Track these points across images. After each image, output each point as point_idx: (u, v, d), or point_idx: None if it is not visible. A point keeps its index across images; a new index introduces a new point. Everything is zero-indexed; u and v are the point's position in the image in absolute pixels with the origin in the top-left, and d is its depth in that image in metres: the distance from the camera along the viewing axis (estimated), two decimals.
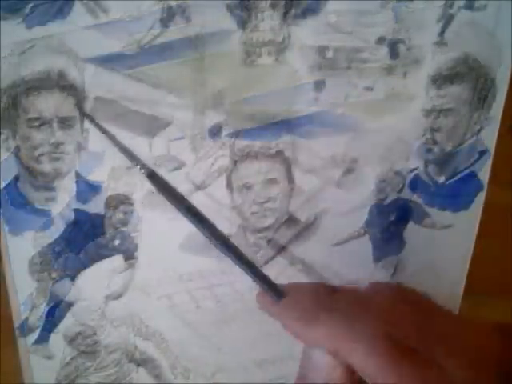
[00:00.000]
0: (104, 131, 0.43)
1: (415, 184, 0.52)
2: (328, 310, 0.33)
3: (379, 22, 0.46)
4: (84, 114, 0.44)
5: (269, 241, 0.51)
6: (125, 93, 0.45)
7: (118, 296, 0.51)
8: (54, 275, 0.49)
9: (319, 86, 0.48)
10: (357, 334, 0.31)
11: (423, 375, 0.31)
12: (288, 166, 0.49)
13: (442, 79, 0.49)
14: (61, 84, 0.44)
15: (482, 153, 0.51)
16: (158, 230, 0.49)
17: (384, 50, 0.47)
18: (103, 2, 0.42)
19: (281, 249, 0.52)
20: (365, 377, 0.32)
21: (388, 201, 0.52)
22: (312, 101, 0.48)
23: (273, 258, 0.52)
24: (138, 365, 0.54)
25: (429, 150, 0.51)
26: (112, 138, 0.43)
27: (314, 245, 0.52)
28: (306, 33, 0.46)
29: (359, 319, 0.32)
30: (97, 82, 0.44)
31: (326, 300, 0.35)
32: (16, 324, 0.50)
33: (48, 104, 0.44)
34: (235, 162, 0.48)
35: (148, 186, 0.47)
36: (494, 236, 0.54)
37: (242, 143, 0.48)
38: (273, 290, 0.38)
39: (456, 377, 0.33)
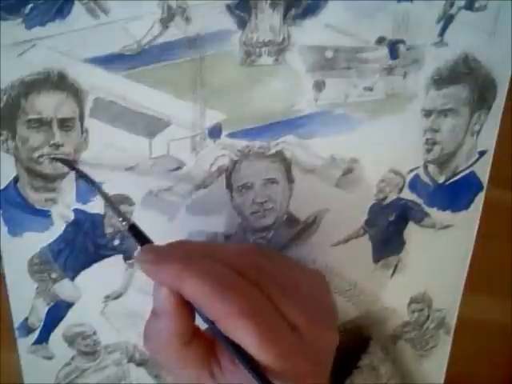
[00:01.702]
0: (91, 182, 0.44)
1: (415, 184, 0.52)
2: (173, 254, 0.38)
3: (379, 21, 0.46)
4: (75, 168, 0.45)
5: (268, 241, 0.51)
6: (125, 93, 0.45)
7: (117, 296, 0.51)
8: (53, 275, 0.49)
9: (319, 86, 0.48)
10: (194, 273, 0.35)
11: (248, 307, 0.35)
12: (288, 165, 0.49)
13: (441, 79, 0.49)
14: (60, 84, 0.44)
15: (482, 153, 0.51)
16: (158, 229, 0.49)
17: (384, 50, 0.47)
18: (103, 2, 0.42)
19: (281, 249, 0.52)
20: (201, 310, 0.36)
21: (388, 201, 0.52)
22: (312, 101, 0.48)
23: None
24: (138, 365, 0.54)
25: (429, 150, 0.51)
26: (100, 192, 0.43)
27: (313, 245, 0.52)
28: (306, 33, 0.46)
29: (200, 261, 0.37)
30: (97, 83, 0.44)
31: (177, 247, 0.40)
32: (16, 324, 0.50)
33: (48, 104, 0.44)
34: (235, 162, 0.48)
35: (148, 186, 0.48)
36: (493, 236, 0.54)
37: (241, 143, 0.48)
38: (143, 239, 0.40)
39: (291, 317, 0.37)
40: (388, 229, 0.53)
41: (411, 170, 0.52)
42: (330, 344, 0.39)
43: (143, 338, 0.40)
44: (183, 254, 0.38)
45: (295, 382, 0.36)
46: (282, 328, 0.36)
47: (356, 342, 0.52)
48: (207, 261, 0.37)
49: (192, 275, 0.35)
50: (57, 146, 0.45)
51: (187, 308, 0.37)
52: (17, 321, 0.50)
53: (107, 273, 0.50)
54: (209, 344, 0.38)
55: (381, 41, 0.47)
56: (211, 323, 0.36)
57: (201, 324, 0.38)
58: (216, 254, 0.38)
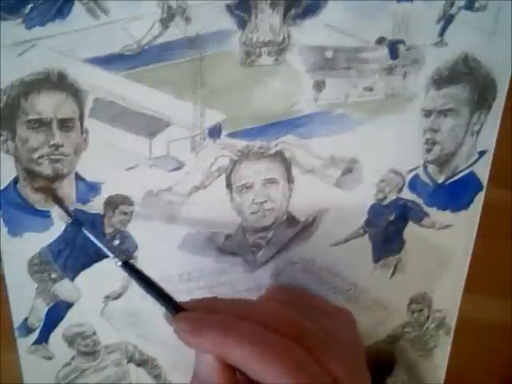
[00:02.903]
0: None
1: (415, 184, 0.52)
2: (211, 322, 0.38)
3: (379, 21, 0.46)
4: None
5: (268, 241, 0.51)
6: (125, 93, 0.45)
7: (117, 296, 0.51)
8: (53, 276, 0.49)
9: (319, 86, 0.48)
10: (236, 340, 0.36)
11: (294, 367, 0.36)
12: (288, 165, 0.49)
13: (441, 79, 0.48)
14: (60, 84, 0.44)
15: (482, 153, 0.51)
16: (158, 229, 0.49)
17: (384, 50, 0.47)
18: (103, 2, 0.42)
19: (280, 248, 0.52)
20: (250, 375, 0.37)
21: (388, 201, 0.52)
22: (312, 101, 0.48)
23: (272, 257, 0.52)
24: (138, 365, 0.54)
25: (429, 150, 0.51)
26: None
27: (313, 245, 0.52)
28: (305, 33, 0.46)
29: (239, 326, 0.37)
30: (97, 83, 0.44)
31: (211, 313, 0.40)
32: (16, 324, 0.50)
33: (48, 105, 0.44)
34: (235, 162, 0.48)
35: (148, 186, 0.48)
36: (493, 236, 0.54)
37: (241, 143, 0.48)
38: (172, 306, 0.41)
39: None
40: (388, 229, 0.53)
41: (411, 170, 0.52)
42: None
43: None
44: (220, 319, 0.38)
45: None
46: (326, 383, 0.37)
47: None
48: (246, 324, 0.37)
49: (234, 342, 0.36)
50: (56, 147, 0.45)
51: (233, 376, 0.37)
52: (17, 321, 0.50)
53: (107, 273, 0.50)
54: None
55: (381, 41, 0.47)
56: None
57: None
58: (251, 315, 0.38)
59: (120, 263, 0.42)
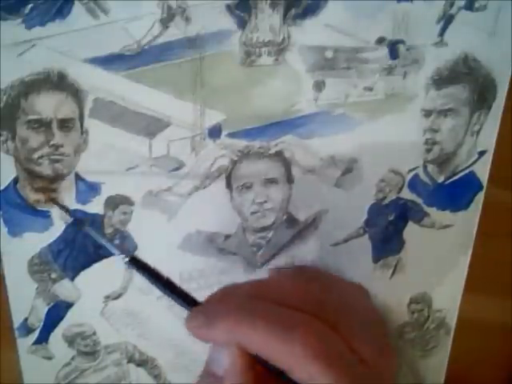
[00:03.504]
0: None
1: (415, 184, 0.52)
2: (223, 309, 0.35)
3: (379, 22, 0.46)
4: None
5: (268, 241, 0.51)
6: (124, 93, 0.45)
7: (117, 296, 0.51)
8: (53, 276, 0.49)
9: (319, 85, 0.48)
10: (252, 321, 0.33)
11: (318, 347, 0.33)
12: (287, 165, 0.49)
13: (441, 79, 0.48)
14: (60, 85, 0.44)
15: (482, 153, 0.51)
16: (158, 230, 0.49)
17: (384, 50, 0.47)
18: (103, 2, 0.42)
19: (280, 248, 0.52)
20: (268, 359, 0.34)
21: (387, 200, 0.52)
22: (312, 101, 0.48)
23: (272, 257, 0.52)
24: (138, 365, 0.54)
25: (428, 150, 0.51)
26: None
27: (313, 245, 0.52)
28: (306, 33, 0.46)
29: (255, 307, 0.34)
30: (96, 83, 0.44)
31: (223, 299, 0.38)
32: (16, 324, 0.50)
33: (47, 105, 0.44)
34: (235, 162, 0.48)
35: (148, 186, 0.48)
36: (493, 236, 0.54)
37: (241, 143, 0.48)
38: (184, 300, 0.39)
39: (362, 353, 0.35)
40: (388, 228, 0.53)
41: (411, 170, 0.51)
42: (393, 371, 0.38)
43: None
44: (233, 304, 0.36)
45: None
46: (355, 365, 0.34)
47: None
48: (260, 304, 0.35)
49: (249, 325, 0.33)
50: (56, 147, 0.45)
51: (253, 367, 0.34)
52: (17, 321, 0.50)
53: (107, 273, 0.50)
54: None
55: (381, 41, 0.47)
56: (280, 371, 0.33)
57: None
58: (266, 294, 0.36)
59: (127, 259, 0.41)
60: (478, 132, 0.51)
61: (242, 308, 0.35)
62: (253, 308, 0.34)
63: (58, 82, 0.43)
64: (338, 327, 0.35)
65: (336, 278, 0.44)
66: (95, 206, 0.48)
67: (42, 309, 0.50)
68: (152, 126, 0.46)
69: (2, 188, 0.46)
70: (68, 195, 0.47)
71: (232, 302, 0.36)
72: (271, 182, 0.50)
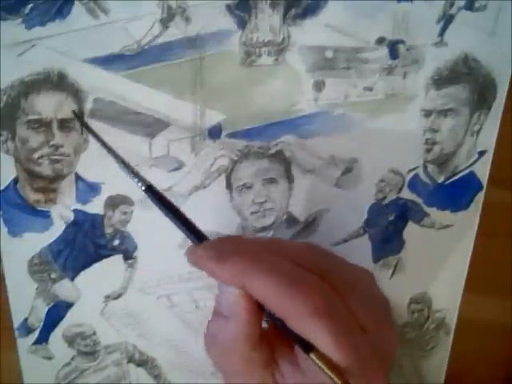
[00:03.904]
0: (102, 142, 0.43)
1: (415, 184, 0.52)
2: (236, 250, 0.36)
3: (379, 21, 0.46)
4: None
5: None
6: (124, 93, 0.45)
7: (117, 296, 0.51)
8: (53, 276, 0.49)
9: (319, 86, 0.48)
10: (261, 269, 0.34)
11: (320, 305, 0.34)
12: (287, 165, 0.49)
13: (441, 79, 0.49)
14: (60, 85, 0.44)
15: (482, 153, 0.51)
16: (158, 229, 0.49)
17: (384, 50, 0.47)
18: (103, 2, 0.42)
19: None
20: (270, 308, 0.35)
21: (387, 200, 0.52)
22: (312, 101, 0.48)
23: None
24: (138, 365, 0.54)
25: (428, 150, 0.51)
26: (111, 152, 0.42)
27: None
28: (305, 33, 0.46)
29: (266, 258, 0.35)
30: (96, 83, 0.44)
31: (238, 243, 0.39)
32: (16, 324, 0.50)
33: (47, 105, 0.44)
34: (235, 162, 0.48)
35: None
36: (493, 236, 0.54)
37: (241, 143, 0.48)
38: (196, 235, 0.39)
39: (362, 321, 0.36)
40: (387, 228, 0.53)
41: (411, 170, 0.52)
42: (393, 343, 0.38)
43: (204, 340, 0.38)
44: (247, 249, 0.37)
45: (366, 382, 0.35)
46: (355, 329, 0.35)
47: None
48: (275, 257, 0.36)
49: (261, 272, 0.34)
50: (56, 147, 0.45)
51: (257, 310, 0.35)
52: (17, 321, 0.50)
53: (107, 273, 0.50)
54: (270, 346, 0.37)
55: (381, 41, 0.47)
56: (281, 322, 0.34)
57: None
58: (280, 250, 0.37)
59: (144, 187, 0.40)
60: (478, 132, 0.51)
61: (256, 255, 0.35)
62: (265, 258, 0.35)
63: (57, 82, 0.43)
64: (344, 294, 0.36)
65: (345, 260, 0.44)
66: (95, 206, 0.48)
67: (42, 309, 0.50)
68: (152, 126, 0.46)
69: (2, 188, 0.46)
70: (68, 195, 0.47)
71: (247, 247, 0.37)
72: (271, 181, 0.50)
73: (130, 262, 0.50)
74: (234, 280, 0.35)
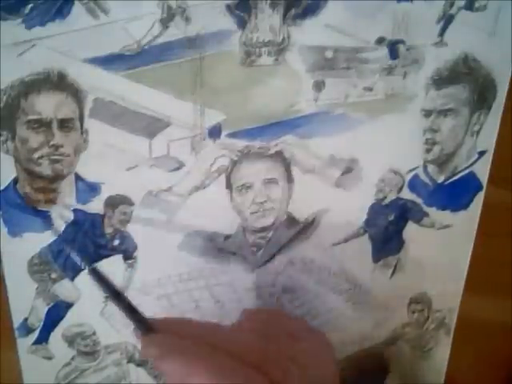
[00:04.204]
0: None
1: (414, 184, 0.52)
2: (179, 347, 0.37)
3: (379, 21, 0.46)
4: None
5: (268, 240, 0.51)
6: (124, 93, 0.45)
7: None
8: (53, 276, 0.49)
9: (319, 86, 0.48)
10: (199, 367, 0.36)
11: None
12: (287, 165, 0.49)
13: (441, 79, 0.49)
14: (60, 85, 0.44)
15: (482, 153, 0.52)
16: (157, 230, 0.49)
17: (384, 50, 0.47)
18: (103, 2, 0.42)
19: (280, 248, 0.52)
20: None
21: (387, 200, 0.52)
22: (312, 101, 0.48)
23: (272, 257, 0.52)
24: (138, 365, 0.54)
25: (428, 150, 0.51)
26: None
27: (313, 244, 0.52)
28: (305, 33, 0.46)
29: (205, 355, 0.37)
30: (96, 83, 0.44)
31: (179, 338, 0.39)
32: (16, 324, 0.50)
33: (47, 105, 0.44)
34: (235, 162, 0.48)
35: (148, 186, 0.48)
36: (493, 236, 0.54)
37: (241, 143, 0.48)
38: (144, 325, 0.39)
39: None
40: (387, 228, 0.53)
41: (411, 170, 0.52)
42: None
43: None
44: (186, 346, 0.38)
45: None
46: None
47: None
48: (212, 354, 0.37)
49: (198, 372, 0.36)
50: (56, 147, 0.45)
51: None
52: (17, 321, 0.50)
53: (107, 273, 0.49)
54: None
55: (381, 41, 0.47)
56: None
57: None
58: (219, 343, 0.38)
59: (87, 270, 0.40)
60: (478, 132, 0.51)
61: (195, 353, 0.37)
62: (204, 356, 0.37)
63: (57, 82, 0.43)
64: (277, 378, 0.37)
65: (297, 328, 0.45)
66: (95, 206, 0.48)
67: (42, 309, 0.50)
68: (152, 126, 0.46)
69: (2, 188, 0.46)
70: (68, 195, 0.47)
71: (187, 342, 0.38)
72: (271, 182, 0.50)
73: (129, 262, 0.50)
74: (175, 377, 0.37)
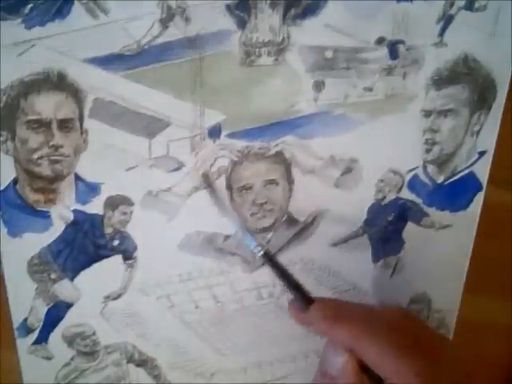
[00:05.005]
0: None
1: (414, 184, 0.52)
2: (348, 314, 0.40)
3: (379, 22, 0.46)
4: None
5: (268, 241, 0.51)
6: (124, 93, 0.45)
7: (117, 296, 0.51)
8: (53, 276, 0.49)
9: (319, 86, 0.47)
10: (372, 335, 0.38)
11: (421, 361, 0.38)
12: (287, 166, 0.49)
13: (441, 80, 0.49)
14: (60, 85, 0.43)
15: (482, 153, 0.52)
16: (157, 230, 0.49)
17: (384, 50, 0.47)
18: (103, 2, 0.42)
19: (280, 249, 0.52)
20: (377, 371, 0.38)
21: (387, 201, 0.52)
22: (312, 101, 0.48)
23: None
24: (138, 365, 0.54)
25: (428, 151, 0.51)
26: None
27: (313, 245, 0.52)
28: (305, 33, 0.46)
29: (375, 324, 0.39)
30: (96, 83, 0.44)
31: (347, 306, 0.41)
32: (15, 324, 0.50)
33: (47, 105, 0.44)
34: (235, 163, 0.48)
35: (147, 186, 0.48)
36: (493, 236, 0.54)
37: (241, 143, 0.48)
38: (304, 298, 0.42)
39: None
40: (387, 229, 0.53)
41: (410, 170, 0.52)
42: None
43: None
44: (358, 315, 0.40)
45: None
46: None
47: None
48: (384, 327, 0.39)
49: (371, 337, 0.37)
50: (56, 147, 0.45)
51: (361, 372, 0.39)
52: (16, 321, 0.50)
53: (107, 273, 0.50)
54: None
55: (380, 41, 0.47)
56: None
57: None
58: (382, 318, 0.40)
59: (261, 253, 0.44)
60: (478, 132, 0.51)
61: (367, 321, 0.39)
62: (375, 325, 0.39)
63: (57, 82, 0.43)
64: (434, 356, 0.39)
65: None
66: (95, 206, 0.48)
67: (42, 309, 0.50)
68: (152, 126, 0.46)
69: (2, 188, 0.46)
70: (68, 195, 0.47)
71: (356, 312, 0.40)
72: (271, 183, 0.50)
73: (129, 262, 0.50)
74: (347, 342, 0.38)
